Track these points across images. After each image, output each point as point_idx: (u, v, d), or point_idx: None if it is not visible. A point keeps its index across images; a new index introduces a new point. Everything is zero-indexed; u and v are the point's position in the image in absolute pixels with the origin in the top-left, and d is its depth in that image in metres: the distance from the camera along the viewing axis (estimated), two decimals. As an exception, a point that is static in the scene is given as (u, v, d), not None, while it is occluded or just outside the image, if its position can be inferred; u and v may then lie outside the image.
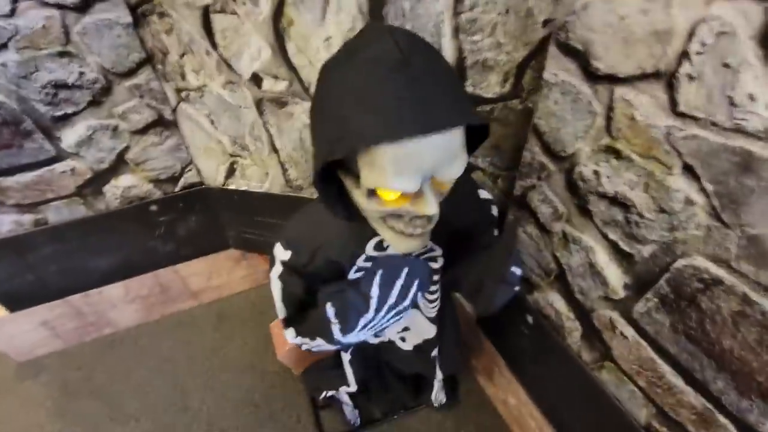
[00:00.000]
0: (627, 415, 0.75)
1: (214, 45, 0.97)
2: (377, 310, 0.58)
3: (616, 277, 0.68)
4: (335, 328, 0.61)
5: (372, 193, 0.52)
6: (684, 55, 0.47)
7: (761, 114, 0.42)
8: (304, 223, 0.70)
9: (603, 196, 0.65)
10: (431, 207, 0.52)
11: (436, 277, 0.80)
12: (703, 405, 0.61)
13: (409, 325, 0.91)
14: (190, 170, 1.26)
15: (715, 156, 0.47)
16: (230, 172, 1.25)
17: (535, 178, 0.78)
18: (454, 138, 0.48)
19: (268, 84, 1.00)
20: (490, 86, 0.82)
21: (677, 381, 0.64)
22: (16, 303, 1.31)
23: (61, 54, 0.94)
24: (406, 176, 0.47)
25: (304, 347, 0.73)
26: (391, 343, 0.96)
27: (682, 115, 0.49)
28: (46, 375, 1.45)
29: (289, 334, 0.73)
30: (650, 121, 0.53)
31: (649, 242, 0.60)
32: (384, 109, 0.44)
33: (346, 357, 0.99)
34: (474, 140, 0.58)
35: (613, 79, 0.56)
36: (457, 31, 0.77)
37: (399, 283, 0.54)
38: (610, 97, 0.58)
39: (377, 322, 0.61)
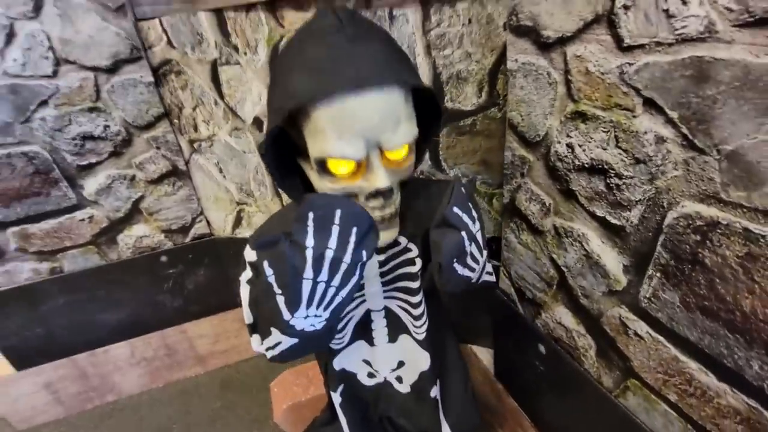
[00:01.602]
0: (663, 445, 0.59)
1: (221, 95, 1.08)
2: (316, 267, 0.47)
3: (613, 261, 0.60)
4: (281, 302, 0.51)
5: (323, 168, 0.52)
6: (615, -12, 0.47)
7: (697, 13, 0.40)
8: (274, 223, 0.69)
9: (581, 168, 0.61)
10: (381, 180, 0.51)
11: (415, 285, 0.73)
12: (745, 405, 0.48)
13: (402, 358, 0.81)
14: (200, 221, 1.31)
15: (670, 78, 0.44)
16: (237, 221, 1.29)
17: (519, 176, 0.75)
18: (393, 100, 0.48)
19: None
20: (468, 98, 0.84)
21: (709, 379, 0.51)
22: (23, 359, 1.31)
23: (91, 109, 1.08)
24: (348, 140, 0.48)
25: (269, 355, 0.65)
26: (388, 386, 0.85)
27: (629, 49, 0.48)
28: (40, 446, 1.37)
29: (254, 341, 0.66)
30: (603, 67, 0.52)
31: (635, 204, 0.54)
32: (318, 69, 0.46)
33: (336, 399, 0.87)
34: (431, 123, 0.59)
35: (563, 41, 0.57)
36: (429, 48, 0.82)
37: (335, 229, 0.46)
38: (564, 60, 0.57)
39: (323, 291, 0.50)
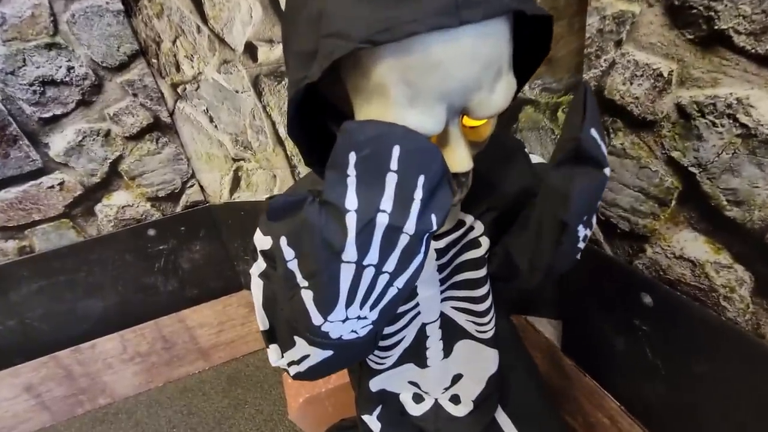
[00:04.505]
0: None
1: (204, 19, 0.88)
2: (362, 243, 0.28)
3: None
4: (308, 299, 0.31)
5: None
6: None
7: None
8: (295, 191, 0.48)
9: (743, -17, 0.38)
10: (462, 160, 0.33)
11: (481, 273, 0.50)
12: None
13: (460, 370, 0.58)
14: (192, 186, 1.11)
15: None
16: (235, 182, 1.09)
17: (612, 48, 0.53)
18: (498, 40, 0.29)
19: (263, 53, 0.87)
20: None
21: None
22: (-4, 358, 1.12)
23: (50, 46, 0.89)
24: (423, 108, 0.29)
25: (292, 372, 0.42)
26: (440, 413, 0.61)
27: None
28: (24, 458, 1.19)
29: (272, 354, 0.45)
30: None
31: None
32: None
33: (375, 425, 0.64)
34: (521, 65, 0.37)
35: None
36: None
37: (390, 178, 0.27)
38: None
39: (371, 281, 0.30)
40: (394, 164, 0.26)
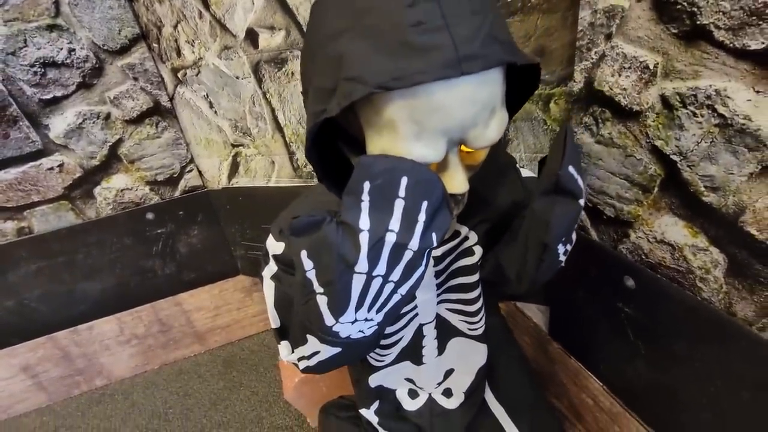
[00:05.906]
0: None
1: (206, 4, 0.89)
2: (373, 257, 0.34)
3: (777, 115, 0.40)
4: (322, 303, 0.37)
5: None
6: None
7: None
8: (303, 207, 0.53)
9: (724, -19, 0.40)
10: (459, 184, 0.39)
11: (473, 278, 0.56)
12: None
13: (451, 365, 0.64)
14: (190, 171, 1.12)
15: None
16: (233, 168, 1.10)
17: (603, 41, 0.55)
18: (492, 86, 0.34)
19: (264, 40, 0.89)
20: (520, -42, 0.64)
21: None
22: (-6, 338, 1.13)
23: (51, 27, 0.89)
24: (426, 141, 0.34)
25: (302, 366, 0.48)
26: (434, 407, 0.66)
27: None
28: (20, 437, 1.20)
29: (284, 349, 0.50)
30: None
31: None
32: (395, 41, 0.31)
33: (372, 418, 0.68)
34: (512, 99, 0.42)
35: None
36: None
37: (398, 204, 0.33)
38: None
39: (378, 289, 0.37)
40: (402, 192, 0.32)
